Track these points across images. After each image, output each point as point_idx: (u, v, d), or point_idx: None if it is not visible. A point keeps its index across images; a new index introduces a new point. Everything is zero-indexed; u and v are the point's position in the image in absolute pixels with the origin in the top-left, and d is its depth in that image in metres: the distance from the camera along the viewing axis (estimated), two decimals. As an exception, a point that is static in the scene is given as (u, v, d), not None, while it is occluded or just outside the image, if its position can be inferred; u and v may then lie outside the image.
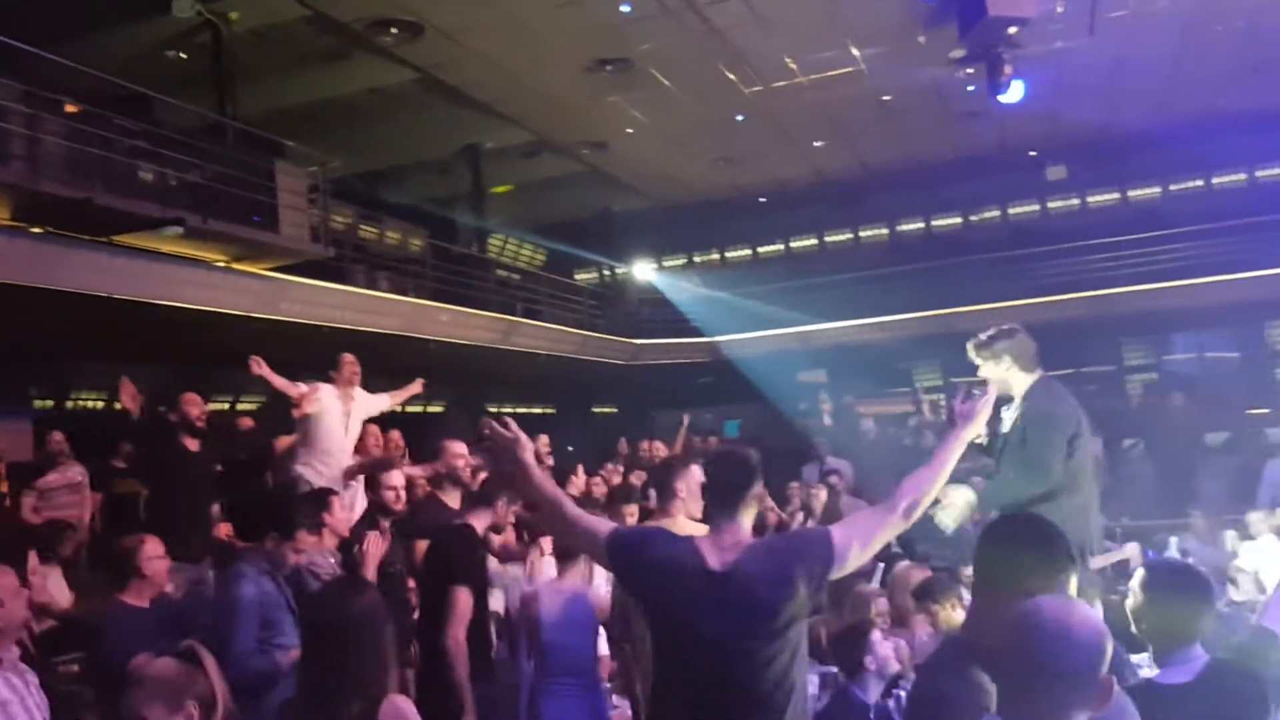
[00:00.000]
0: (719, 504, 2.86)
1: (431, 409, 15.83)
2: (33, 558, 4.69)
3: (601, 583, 5.21)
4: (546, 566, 5.37)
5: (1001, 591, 2.19)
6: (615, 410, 19.14)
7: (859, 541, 2.76)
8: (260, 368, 6.38)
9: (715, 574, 2.69)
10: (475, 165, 14.53)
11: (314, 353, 7.06)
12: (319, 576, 4.46)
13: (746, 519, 2.84)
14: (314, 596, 3.53)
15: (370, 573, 4.33)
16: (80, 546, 5.24)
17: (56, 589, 5.38)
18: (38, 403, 10.71)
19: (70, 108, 7.64)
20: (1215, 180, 16.10)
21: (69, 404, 11.44)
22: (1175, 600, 2.80)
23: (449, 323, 12.02)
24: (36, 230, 7.20)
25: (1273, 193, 15.34)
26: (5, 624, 3.13)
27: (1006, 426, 4.36)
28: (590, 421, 18.40)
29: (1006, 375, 4.35)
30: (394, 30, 10.14)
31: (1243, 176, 15.96)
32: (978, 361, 4.42)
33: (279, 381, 6.43)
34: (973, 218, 17.66)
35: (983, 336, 4.41)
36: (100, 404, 11.64)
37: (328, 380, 6.65)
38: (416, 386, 7.27)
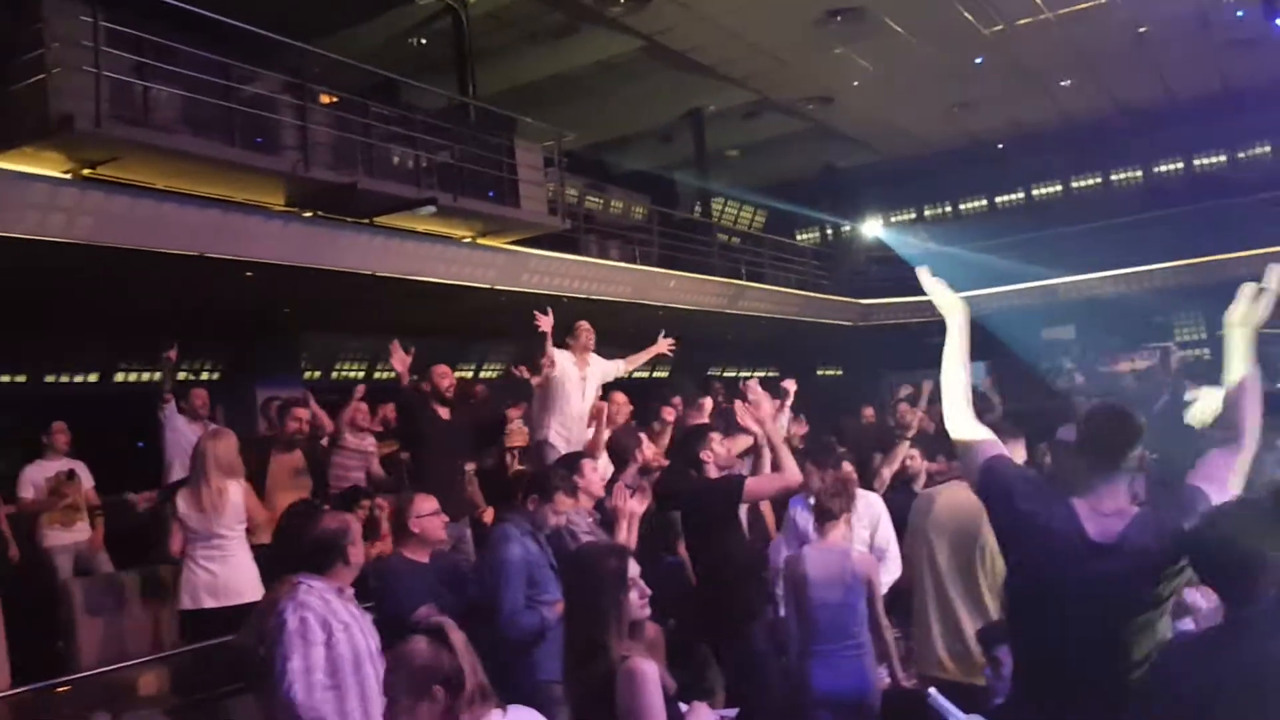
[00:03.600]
0: (1098, 465, 2.61)
1: (657, 374, 16.09)
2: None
3: (863, 543, 5.16)
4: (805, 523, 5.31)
5: None
6: (840, 372, 18.80)
7: (1224, 490, 2.53)
8: (544, 324, 6.58)
9: (1095, 544, 2.51)
10: (698, 130, 14.52)
11: (554, 322, 7.27)
12: (577, 536, 4.62)
13: (1125, 483, 2.62)
14: (568, 557, 3.65)
15: (625, 532, 4.43)
16: (367, 509, 5.66)
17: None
18: (307, 374, 11.62)
19: (326, 98, 8.16)
20: None
21: (334, 375, 12.33)
22: None
23: (676, 288, 12.11)
24: (307, 214, 7.76)
25: None
26: (355, 561, 3.46)
27: None
28: (815, 384, 18.16)
29: None
30: (622, 0, 10.25)
31: None
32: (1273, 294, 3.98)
33: (548, 345, 6.63)
34: (1240, 154, 16.10)
35: None
36: (360, 374, 12.51)
37: (565, 347, 6.84)
38: (660, 346, 7.33)
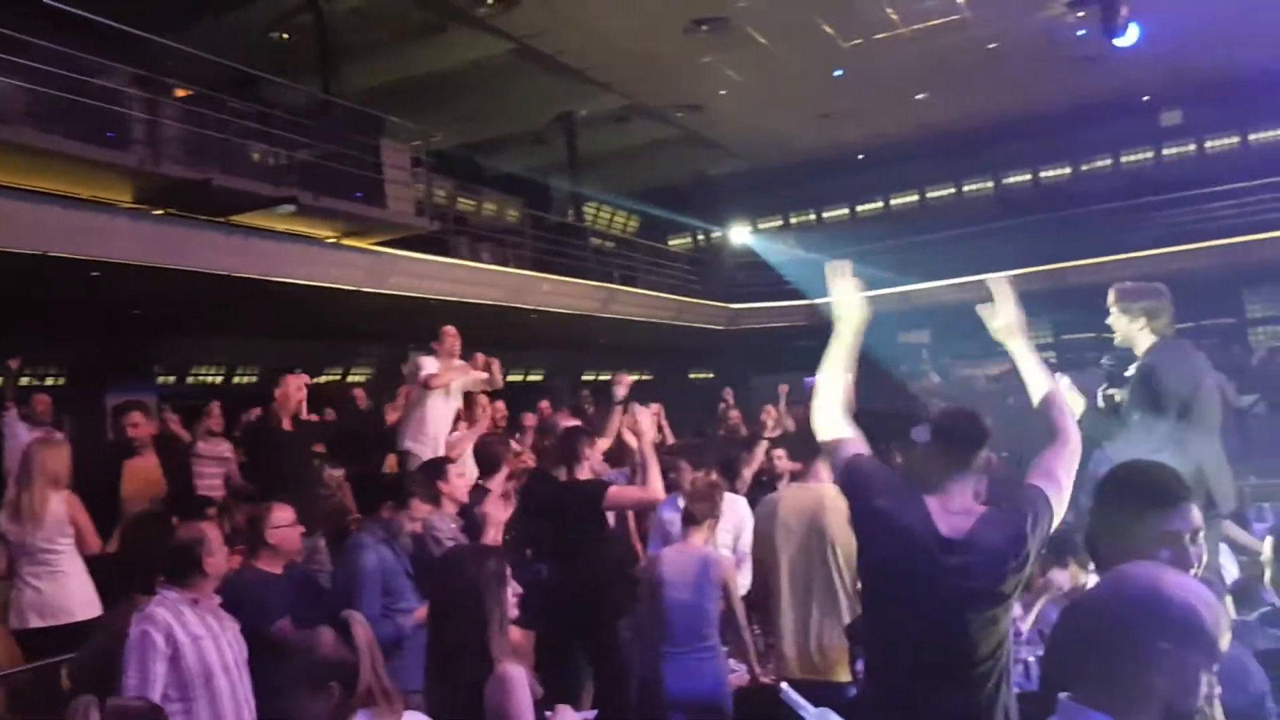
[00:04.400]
0: (948, 465, 2.71)
1: (531, 378, 16.04)
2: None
3: (726, 547, 5.24)
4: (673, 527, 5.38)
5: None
6: (712, 376, 19.11)
7: (1059, 486, 2.68)
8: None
9: (946, 540, 2.60)
10: (570, 133, 14.54)
11: (422, 325, 7.17)
12: (440, 541, 4.57)
13: (973, 484, 2.72)
14: (437, 562, 3.61)
15: (492, 536, 4.40)
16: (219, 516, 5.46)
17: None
18: (161, 378, 11.15)
19: (182, 92, 7.86)
20: (1347, 119, 15.19)
21: (190, 379, 11.87)
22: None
23: (549, 292, 12.10)
24: (158, 212, 7.44)
25: None
26: (214, 571, 3.37)
27: (1128, 384, 4.25)
28: (688, 388, 18.40)
29: (1134, 331, 4.22)
30: (490, 1, 10.17)
31: (1374, 118, 15.02)
32: (1111, 310, 4.28)
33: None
34: (1083, 167, 17.04)
35: (1130, 285, 4.28)
36: (219, 378, 12.07)
37: (430, 353, 6.76)
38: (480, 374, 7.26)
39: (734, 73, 12.37)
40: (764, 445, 6.71)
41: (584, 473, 4.92)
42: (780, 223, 19.42)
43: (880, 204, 18.62)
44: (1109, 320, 4.36)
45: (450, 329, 6.86)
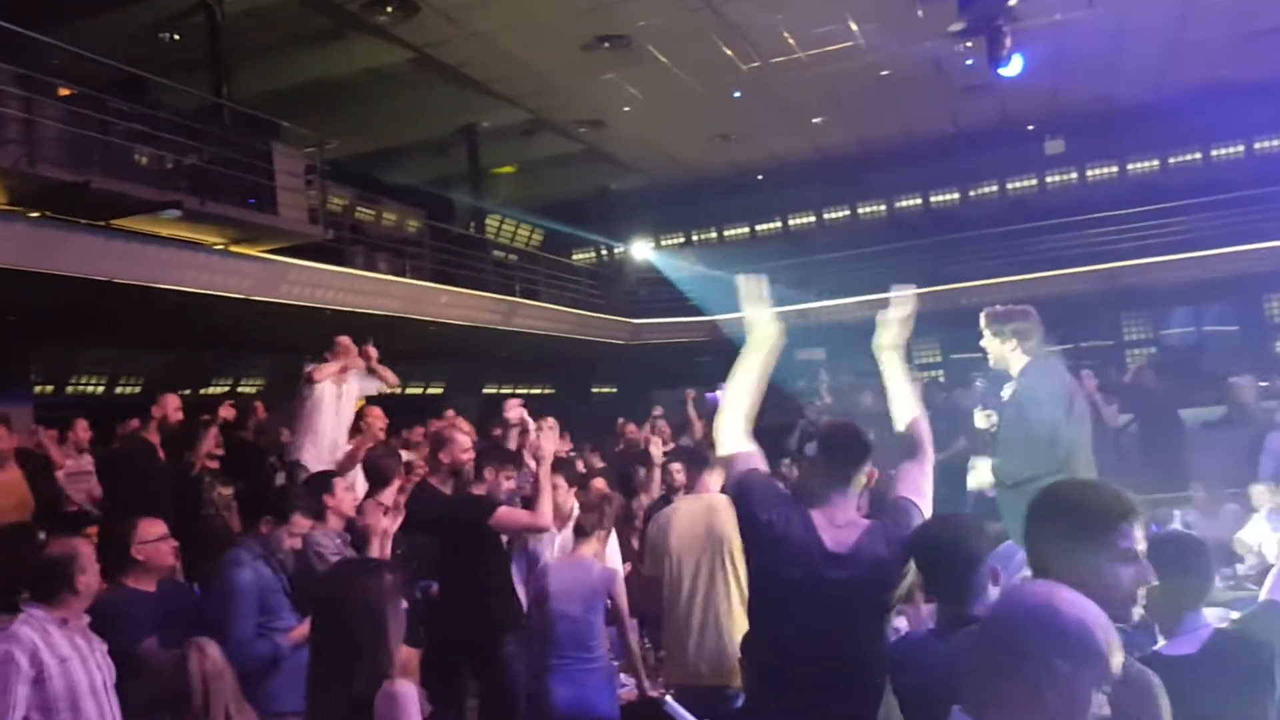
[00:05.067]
0: (832, 479, 2.79)
1: (431, 390, 15.85)
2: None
3: (616, 559, 5.25)
4: (562, 540, 5.38)
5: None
6: (614, 390, 19.17)
7: (926, 499, 2.78)
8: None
9: (830, 553, 2.66)
10: (472, 145, 14.47)
11: (315, 335, 7.04)
12: (324, 558, 4.48)
13: (855, 497, 2.80)
14: (319, 577, 3.54)
15: (377, 550, 4.34)
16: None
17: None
18: (38, 388, 10.69)
19: (65, 91, 7.58)
20: (1214, 152, 16.07)
21: (69, 389, 11.42)
22: (1177, 572, 2.81)
23: (448, 304, 12.00)
24: (34, 214, 7.16)
25: (1271, 164, 15.31)
26: (87, 590, 3.25)
27: (1004, 405, 4.41)
28: (590, 401, 18.42)
29: (1007, 353, 4.38)
30: (389, 9, 10.07)
31: (1240, 148, 15.93)
32: (985, 332, 4.44)
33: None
34: (971, 193, 17.64)
35: (999, 309, 4.44)
36: (99, 389, 11.63)
37: (324, 363, 6.64)
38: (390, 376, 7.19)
39: (636, 90, 12.49)
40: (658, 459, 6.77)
41: (480, 490, 4.89)
42: (682, 239, 19.62)
43: (779, 223, 18.97)
44: (982, 343, 4.53)
45: (344, 339, 6.76)
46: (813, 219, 18.70)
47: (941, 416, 9.51)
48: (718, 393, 3.59)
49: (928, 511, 2.77)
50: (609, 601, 4.62)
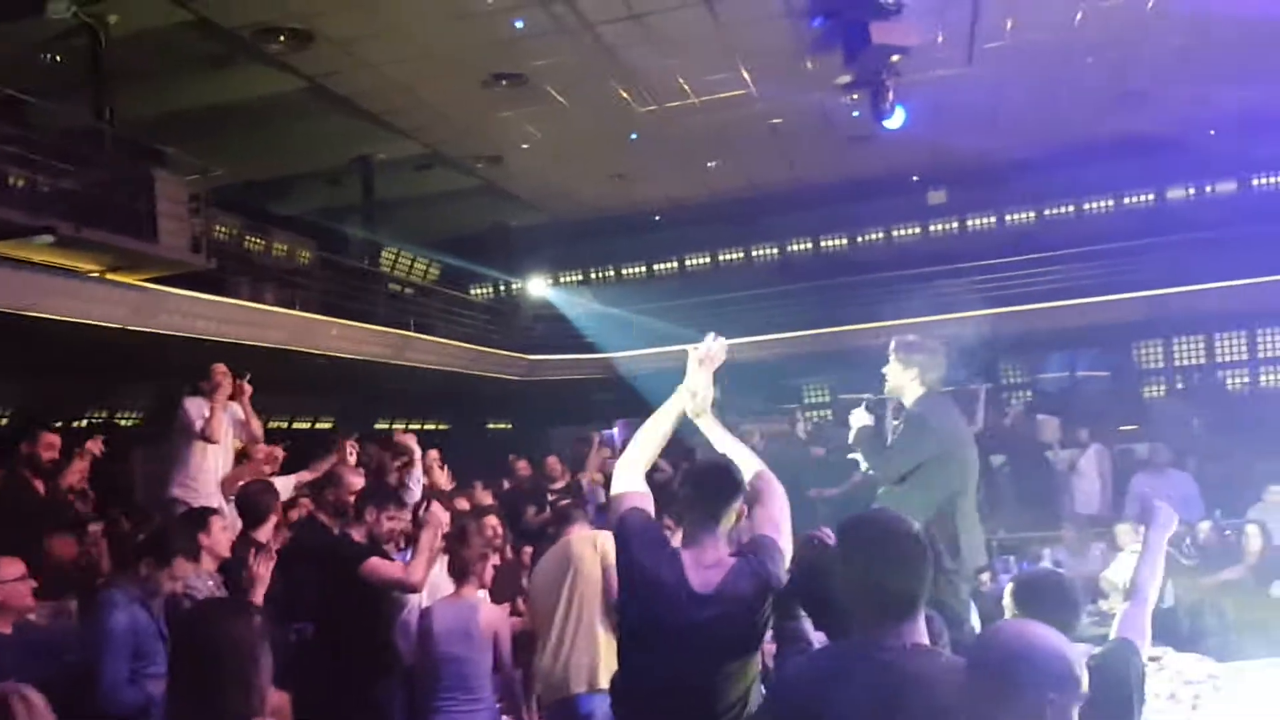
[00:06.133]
0: (699, 519, 2.82)
1: (320, 425, 15.48)
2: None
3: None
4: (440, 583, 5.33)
5: None
6: (510, 426, 19.03)
7: (785, 536, 2.83)
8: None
9: (697, 595, 2.68)
10: (367, 177, 14.29)
11: (195, 367, 6.81)
12: (195, 600, 4.33)
13: (724, 536, 2.83)
14: (184, 617, 3.43)
15: (258, 596, 4.21)
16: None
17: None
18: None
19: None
20: (1085, 206, 16.93)
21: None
22: (1043, 608, 2.93)
23: (338, 336, 11.78)
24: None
25: (1138, 218, 16.24)
26: None
27: (893, 427, 4.57)
28: (484, 438, 18.25)
29: (906, 382, 4.52)
30: (281, 38, 9.93)
31: (1110, 202, 16.82)
32: (890, 358, 4.56)
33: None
34: (859, 239, 18.15)
35: (911, 339, 4.58)
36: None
37: (200, 395, 6.45)
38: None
39: (534, 128, 12.56)
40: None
41: (361, 533, 4.81)
42: (580, 277, 19.70)
43: (676, 264, 19.23)
44: (885, 369, 4.65)
45: (221, 367, 6.58)
46: (708, 260, 19.01)
47: (835, 454, 9.79)
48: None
49: (787, 545, 2.83)
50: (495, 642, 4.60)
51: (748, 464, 3.01)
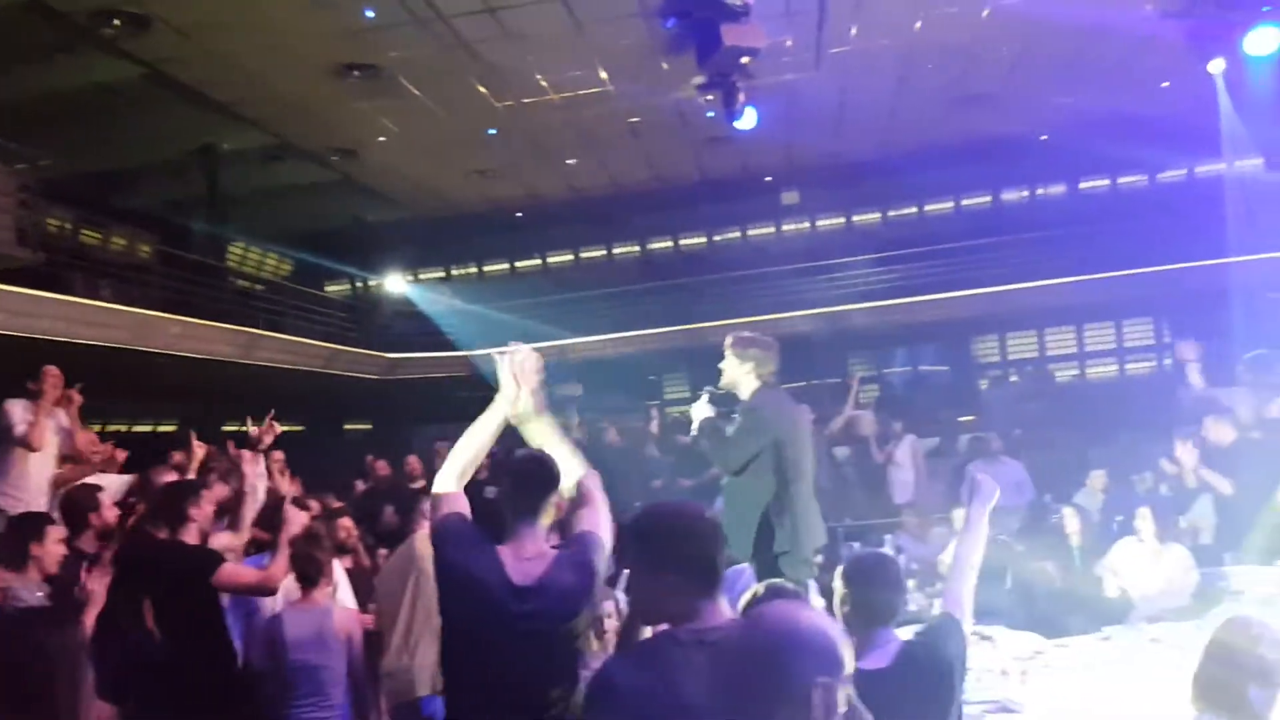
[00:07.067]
0: (519, 512, 2.82)
1: (162, 428, 14.83)
2: None
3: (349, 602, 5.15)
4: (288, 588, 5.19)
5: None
6: (369, 427, 18.63)
7: (606, 531, 2.88)
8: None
9: (517, 588, 2.69)
10: (212, 168, 13.73)
11: (27, 367, 6.42)
12: (17, 610, 4.11)
13: (544, 529, 2.84)
14: (13, 626, 3.27)
15: (90, 607, 4.01)
16: None
17: None
18: None
19: None
20: (927, 207, 17.72)
21: None
22: (869, 588, 3.07)
23: (181, 335, 11.30)
24: None
25: (976, 220, 17.10)
26: None
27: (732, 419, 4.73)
28: (342, 439, 17.81)
29: (741, 376, 4.69)
30: (118, 22, 9.44)
31: (950, 204, 17.66)
32: (726, 354, 4.72)
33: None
34: (716, 238, 18.53)
35: (746, 335, 4.74)
36: None
37: (29, 396, 6.10)
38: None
39: (390, 121, 12.32)
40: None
41: (193, 534, 4.63)
42: (442, 274, 19.45)
43: (538, 261, 19.21)
44: (721, 365, 4.81)
45: (52, 369, 6.22)
46: (570, 257, 19.07)
47: (692, 447, 9.98)
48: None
49: (609, 543, 2.90)
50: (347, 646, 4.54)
51: (574, 468, 3.05)
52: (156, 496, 4.96)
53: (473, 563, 2.76)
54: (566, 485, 2.99)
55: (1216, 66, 10.97)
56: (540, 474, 2.89)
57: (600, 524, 2.92)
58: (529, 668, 2.70)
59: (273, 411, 5.18)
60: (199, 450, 5.81)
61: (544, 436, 3.11)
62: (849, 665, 1.79)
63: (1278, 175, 12.51)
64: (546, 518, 2.87)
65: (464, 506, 2.94)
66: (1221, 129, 12.01)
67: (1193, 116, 12.18)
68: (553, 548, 2.86)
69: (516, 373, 3.10)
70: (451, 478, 2.99)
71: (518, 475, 2.89)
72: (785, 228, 18.10)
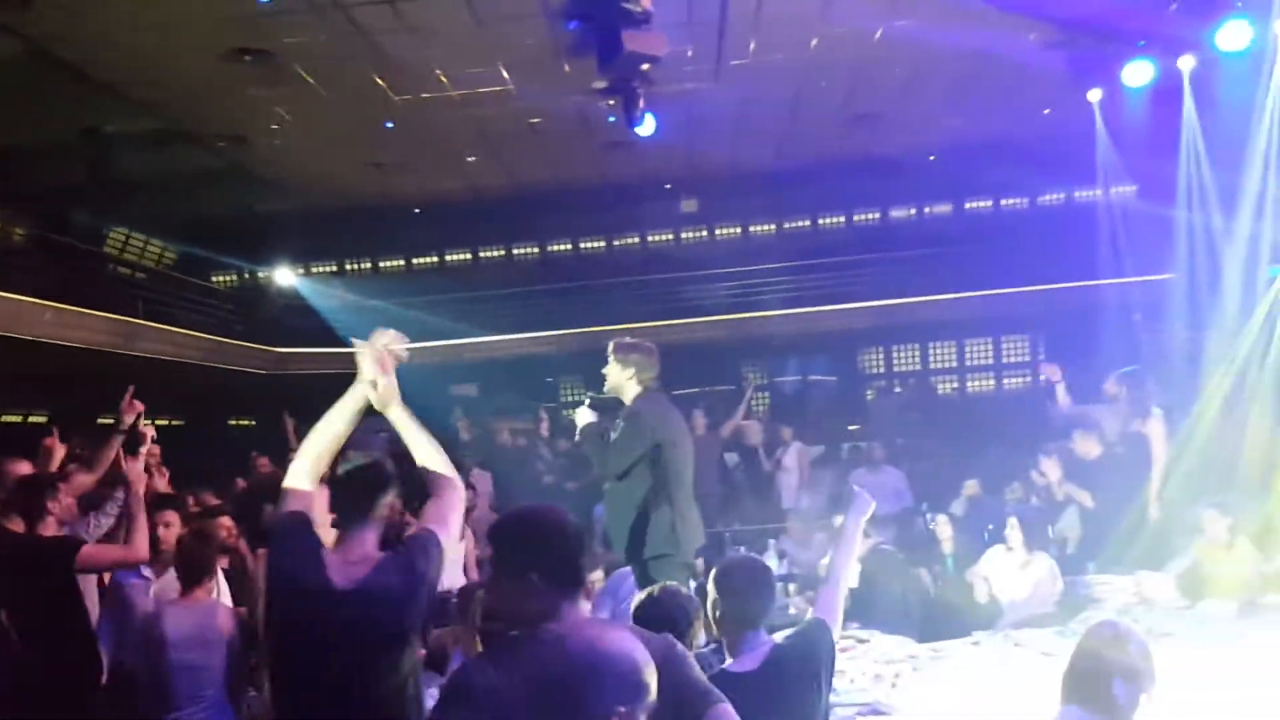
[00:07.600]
0: (348, 514, 2.82)
1: (33, 419, 14.18)
2: None
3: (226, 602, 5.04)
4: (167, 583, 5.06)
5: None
6: (254, 422, 18.11)
7: (450, 531, 2.88)
8: None
9: (339, 592, 2.67)
10: (95, 152, 13.17)
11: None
12: None
13: (375, 531, 2.82)
14: None
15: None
16: None
17: None
18: None
19: None
20: (820, 221, 18.11)
21: None
22: (739, 591, 3.13)
23: (53, 323, 10.82)
24: None
25: (866, 234, 17.59)
26: None
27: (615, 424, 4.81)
28: (226, 434, 17.28)
29: (624, 381, 4.78)
30: (-7, -7, 9.00)
31: (842, 219, 18.10)
32: (609, 359, 4.81)
33: None
34: (615, 242, 18.59)
35: (627, 340, 4.84)
36: None
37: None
38: None
39: (283, 110, 12.02)
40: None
41: (50, 526, 4.47)
42: (334, 268, 19.07)
43: (436, 258, 18.98)
44: (605, 370, 4.89)
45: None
46: (469, 256, 18.90)
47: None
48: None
49: (451, 541, 2.91)
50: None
51: (431, 459, 3.04)
52: (11, 489, 4.78)
53: (298, 564, 2.74)
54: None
55: (1095, 95, 11.58)
56: (372, 475, 2.88)
57: (444, 519, 2.92)
58: (354, 669, 2.68)
59: (130, 394, 5.03)
60: (59, 450, 5.62)
61: (403, 425, 3.11)
62: (652, 693, 1.74)
63: (1149, 203, 13.22)
64: (378, 519, 2.86)
65: (307, 504, 2.91)
66: (1098, 157, 12.65)
67: (1072, 143, 12.78)
68: (381, 550, 2.84)
69: (381, 359, 3.11)
70: (303, 472, 2.96)
71: (349, 477, 2.89)
72: (684, 235, 18.26)
